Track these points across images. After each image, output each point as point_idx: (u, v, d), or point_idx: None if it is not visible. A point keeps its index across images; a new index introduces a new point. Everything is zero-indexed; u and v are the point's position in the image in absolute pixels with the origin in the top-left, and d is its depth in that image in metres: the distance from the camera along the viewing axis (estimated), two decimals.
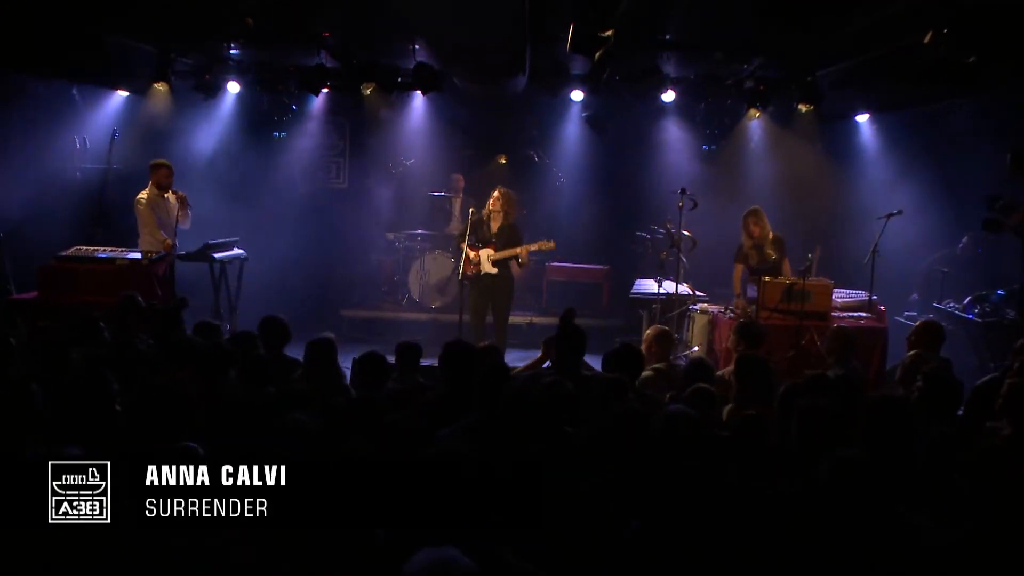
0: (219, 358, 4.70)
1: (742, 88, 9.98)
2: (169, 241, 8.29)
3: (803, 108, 9.17)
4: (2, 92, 9.61)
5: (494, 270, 8.19)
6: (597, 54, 6.49)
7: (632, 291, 9.14)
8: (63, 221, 9.57)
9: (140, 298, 6.61)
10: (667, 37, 8.51)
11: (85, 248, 8.16)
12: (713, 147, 11.58)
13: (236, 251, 9.00)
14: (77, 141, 10.42)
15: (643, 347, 6.38)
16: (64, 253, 8.01)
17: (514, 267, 8.33)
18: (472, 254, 8.15)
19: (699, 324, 8.15)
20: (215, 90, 10.16)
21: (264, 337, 6.30)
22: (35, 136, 9.89)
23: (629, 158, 11.38)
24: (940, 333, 6.37)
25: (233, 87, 10.59)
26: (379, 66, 10.10)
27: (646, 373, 6.13)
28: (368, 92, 9.38)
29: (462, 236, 8.24)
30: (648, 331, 6.48)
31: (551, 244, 8.45)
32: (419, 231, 11.02)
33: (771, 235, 8.47)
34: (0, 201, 9.34)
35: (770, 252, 8.35)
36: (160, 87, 9.13)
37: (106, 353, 5.11)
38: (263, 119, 11.59)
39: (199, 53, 9.76)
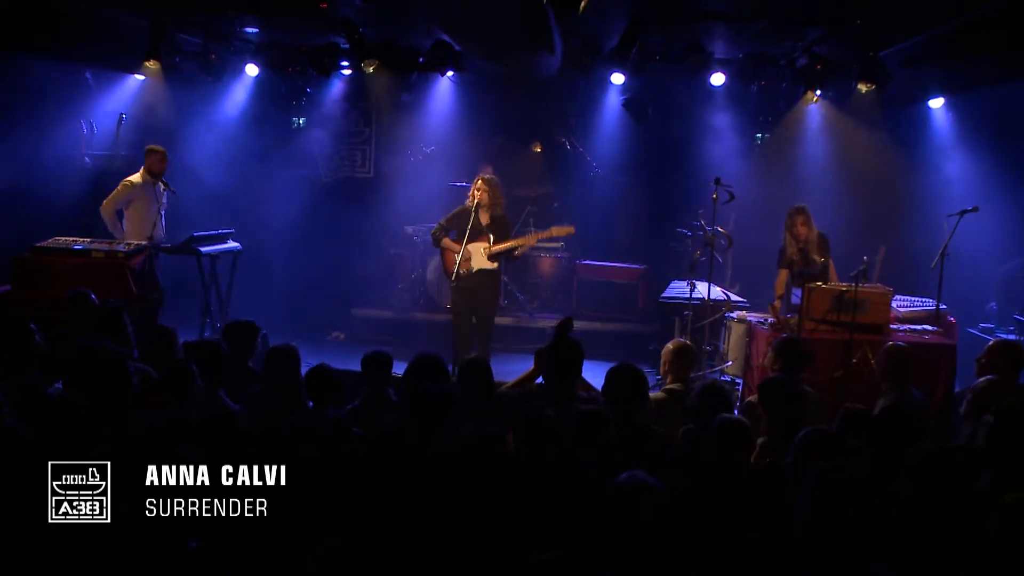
0: (117, 371, 3.94)
1: (796, 68, 8.88)
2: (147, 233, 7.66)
3: (863, 88, 8.01)
4: (8, 75, 9.20)
5: (492, 265, 7.28)
6: (581, 4, 5.51)
7: (663, 294, 8.15)
8: (70, 209, 9.08)
9: (94, 296, 5.93)
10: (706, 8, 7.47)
11: (64, 239, 7.55)
12: (767, 135, 10.47)
13: (230, 244, 8.32)
14: (84, 126, 9.90)
15: (662, 362, 5.47)
16: (40, 244, 7.40)
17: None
18: (464, 250, 7.26)
19: (735, 334, 7.15)
20: (220, 71, 9.49)
21: (229, 344, 5.60)
22: (43, 120, 9.40)
23: (672, 147, 10.35)
24: (1021, 355, 5.28)
25: (252, 70, 9.99)
26: (396, 45, 9.30)
27: (658, 395, 5.22)
28: (371, 70, 8.56)
29: (443, 229, 7.35)
30: (668, 345, 5.52)
31: (570, 229, 7.51)
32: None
33: (816, 234, 7.43)
34: (5, 189, 8.94)
35: (816, 256, 7.30)
36: (152, 65, 8.45)
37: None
38: (281, 104, 10.93)
39: (199, 28, 9.07)
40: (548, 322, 9.77)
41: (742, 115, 10.33)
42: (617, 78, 9.76)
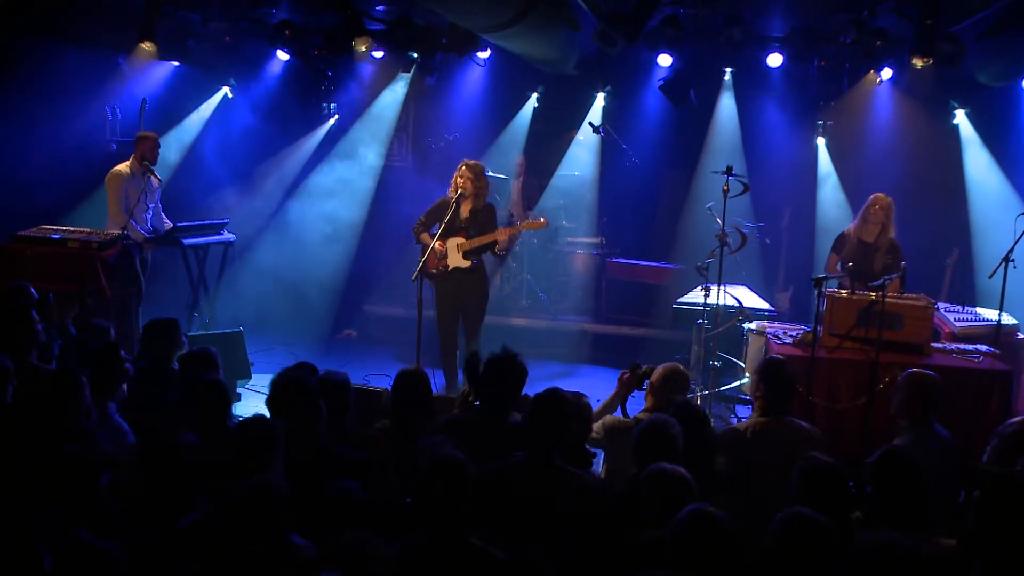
0: None
1: (857, 45, 7.78)
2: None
3: (918, 63, 6.84)
4: (40, 60, 9.09)
5: (466, 263, 6.57)
6: None
7: (678, 299, 7.26)
8: (98, 196, 8.90)
9: (33, 289, 5.54)
10: None
11: (47, 227, 7.28)
12: (829, 122, 9.34)
13: (223, 235, 7.88)
14: (109, 112, 9.71)
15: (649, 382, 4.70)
16: (21, 232, 7.13)
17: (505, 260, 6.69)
18: (437, 246, 6.56)
19: (753, 348, 6.24)
20: (234, 53, 9.10)
21: (145, 343, 5.12)
22: (73, 106, 9.30)
23: (717, 134, 9.37)
24: None
25: (282, 56, 9.59)
26: (413, 25, 8.68)
27: (627, 421, 4.45)
28: (363, 49, 7.94)
29: (423, 225, 6.66)
30: (659, 368, 4.72)
31: (543, 222, 6.76)
32: None
33: (892, 236, 6.44)
34: (29, 177, 8.84)
35: (884, 254, 6.32)
36: (147, 47, 8.07)
37: None
38: (310, 90, 10.48)
39: (214, 10, 8.69)
40: (573, 325, 9.01)
41: (801, 99, 9.26)
42: (664, 59, 8.87)
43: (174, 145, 10.01)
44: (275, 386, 3.79)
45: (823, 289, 5.46)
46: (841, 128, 9.21)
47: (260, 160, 10.38)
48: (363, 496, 3.31)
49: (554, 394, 3.59)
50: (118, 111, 9.72)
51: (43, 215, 7.96)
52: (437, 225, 6.52)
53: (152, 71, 9.97)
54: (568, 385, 7.18)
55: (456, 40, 8.69)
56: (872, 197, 6.51)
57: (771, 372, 4.26)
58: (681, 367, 4.63)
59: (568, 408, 3.55)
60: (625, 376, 4.75)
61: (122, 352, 4.58)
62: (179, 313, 8.03)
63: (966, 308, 6.66)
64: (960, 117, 8.83)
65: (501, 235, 6.47)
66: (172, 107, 9.99)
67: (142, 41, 7.93)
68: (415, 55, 9.41)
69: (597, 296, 9.26)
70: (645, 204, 9.64)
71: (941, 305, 6.83)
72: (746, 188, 6.20)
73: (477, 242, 6.50)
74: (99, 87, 9.60)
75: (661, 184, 9.72)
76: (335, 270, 9.77)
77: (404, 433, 4.27)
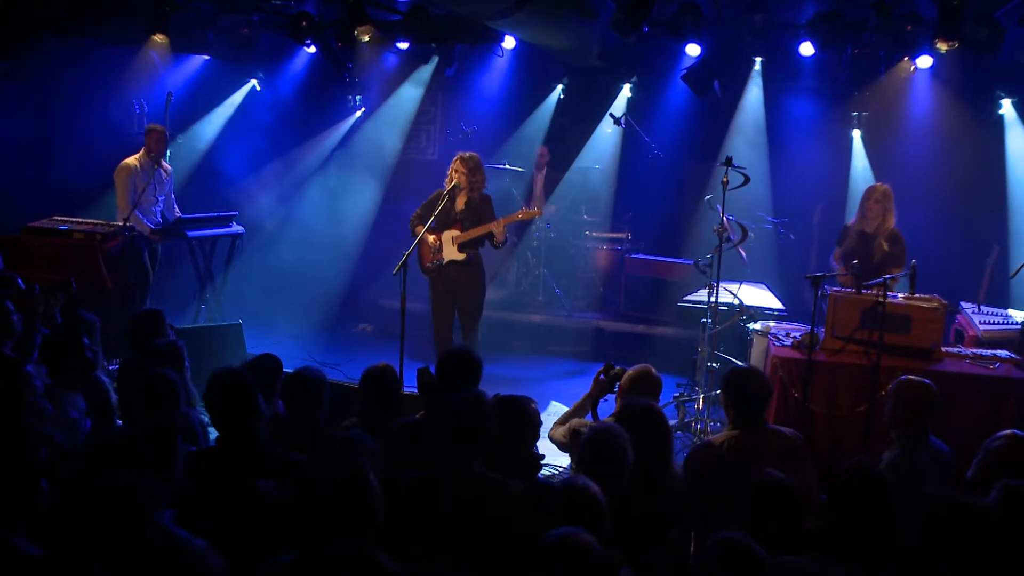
0: None
1: (883, 31, 7.36)
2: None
3: (943, 47, 6.39)
4: (71, 57, 9.26)
5: (461, 256, 6.40)
6: None
7: (684, 297, 6.96)
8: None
9: (20, 280, 5.56)
10: None
11: (58, 219, 7.36)
12: (864, 113, 8.89)
13: (232, 228, 7.86)
14: (136, 105, 9.83)
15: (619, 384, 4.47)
16: (31, 224, 7.22)
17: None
18: (431, 239, 6.41)
19: (757, 349, 5.90)
20: (252, 45, 9.09)
21: (128, 335, 5.07)
22: (106, 100, 9.48)
23: (743, 126, 9.01)
24: None
25: (309, 49, 9.57)
26: (429, 15, 8.53)
27: (583, 427, 4.22)
28: (367, 39, 7.79)
29: (419, 218, 6.49)
30: (629, 370, 4.48)
31: (536, 212, 6.54)
32: None
33: (891, 226, 6.07)
34: (61, 170, 9.00)
35: (883, 244, 5.99)
36: (159, 39, 8.09)
37: None
38: (334, 82, 10.45)
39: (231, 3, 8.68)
40: (588, 322, 8.77)
41: (833, 89, 8.84)
42: (693, 49, 8.56)
43: (200, 137, 10.11)
44: (210, 383, 3.67)
45: (824, 288, 5.12)
46: (877, 119, 8.77)
47: (284, 152, 10.39)
48: (279, 496, 3.17)
49: (474, 399, 3.38)
50: (144, 104, 9.83)
51: (72, 207, 8.09)
52: (435, 220, 6.38)
53: (182, 65, 10.10)
54: (577, 384, 7.02)
55: (472, 30, 8.51)
56: (868, 189, 6.23)
57: (735, 384, 3.96)
58: (652, 370, 4.37)
59: (486, 413, 3.33)
60: (601, 378, 4.52)
61: (85, 340, 4.53)
62: (187, 305, 8.12)
63: (994, 310, 6.21)
64: (1006, 107, 8.33)
65: (496, 226, 6.29)
66: (201, 100, 10.06)
67: (154, 34, 7.91)
68: (434, 46, 9.29)
69: (615, 293, 9.00)
70: (667, 198, 9.33)
71: (966, 306, 6.40)
72: (746, 180, 5.88)
73: (472, 234, 6.34)
74: (129, 81, 9.71)
75: (684, 178, 9.39)
76: (353, 264, 9.71)
77: (370, 431, 4.14)
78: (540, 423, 3.72)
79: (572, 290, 9.18)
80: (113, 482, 2.45)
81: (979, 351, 5.38)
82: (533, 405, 3.70)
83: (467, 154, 6.43)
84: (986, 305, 6.35)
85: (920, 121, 8.61)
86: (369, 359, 5.16)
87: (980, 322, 6.03)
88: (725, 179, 5.79)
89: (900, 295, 5.37)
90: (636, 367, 4.43)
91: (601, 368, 4.51)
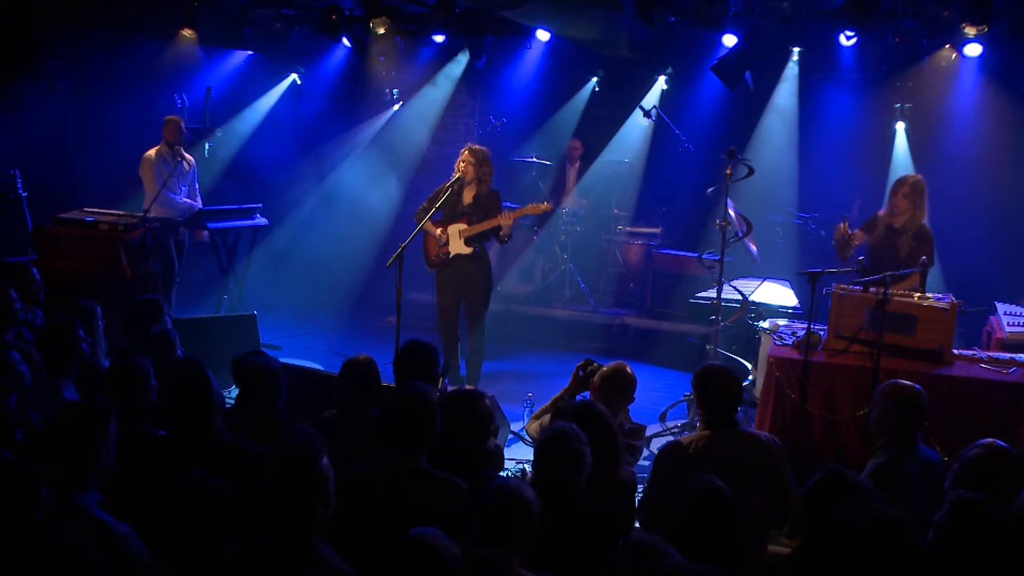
0: None
1: (916, 18, 7.04)
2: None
3: (971, 31, 6.07)
4: (119, 52, 9.52)
5: (468, 250, 6.33)
6: None
7: (696, 294, 6.76)
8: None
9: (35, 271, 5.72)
10: None
11: (89, 210, 7.56)
12: (908, 105, 8.52)
13: (255, 220, 7.96)
14: (178, 100, 10.06)
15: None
16: (61, 215, 7.44)
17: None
18: (438, 232, 6.36)
19: (764, 348, 5.70)
20: (287, 39, 9.21)
21: (126, 324, 5.18)
22: (151, 95, 9.68)
23: (775, 118, 8.72)
24: None
25: (345, 43, 9.67)
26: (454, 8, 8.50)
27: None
28: (382, 31, 7.77)
29: (425, 211, 6.45)
30: (603, 368, 4.39)
31: (546, 206, 6.42)
32: (506, 203, 9.30)
33: (921, 223, 5.78)
34: (103, 162, 9.27)
35: (910, 241, 5.70)
36: (187, 33, 8.23)
37: None
38: (370, 75, 10.52)
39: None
40: (614, 318, 8.63)
41: (875, 80, 8.49)
42: (729, 39, 8.34)
43: (239, 132, 10.29)
44: (166, 375, 3.71)
45: (825, 287, 4.91)
46: (920, 111, 8.38)
47: (321, 145, 10.49)
48: (217, 485, 3.17)
49: (418, 393, 3.32)
50: (186, 99, 10.04)
51: (116, 199, 8.30)
52: (441, 213, 6.37)
53: (224, 60, 10.29)
54: None
55: (502, 22, 8.44)
56: (897, 180, 5.86)
57: (704, 382, 3.82)
58: (627, 368, 4.25)
59: (431, 408, 3.28)
60: (580, 374, 4.43)
61: (80, 332, 4.64)
62: (211, 295, 8.27)
63: None
64: None
65: (504, 219, 6.23)
66: (241, 95, 10.23)
67: (183, 28, 8.05)
68: (464, 39, 9.26)
69: (643, 288, 8.82)
70: (696, 193, 9.09)
71: (1002, 307, 6.08)
72: (750, 171, 5.68)
73: (479, 228, 6.29)
74: (169, 76, 9.90)
75: (716, 171, 9.13)
76: (382, 256, 9.74)
77: (347, 424, 4.14)
78: (493, 419, 3.65)
79: (598, 285, 9.04)
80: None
81: (997, 354, 5.08)
82: (486, 401, 3.63)
83: (476, 145, 6.41)
84: (1008, 305, 6.01)
85: (967, 113, 8.21)
86: (390, 351, 5.18)
87: (1007, 324, 5.71)
88: (728, 171, 5.60)
89: (916, 295, 5.11)
90: (610, 364, 4.32)
91: (579, 364, 4.42)
